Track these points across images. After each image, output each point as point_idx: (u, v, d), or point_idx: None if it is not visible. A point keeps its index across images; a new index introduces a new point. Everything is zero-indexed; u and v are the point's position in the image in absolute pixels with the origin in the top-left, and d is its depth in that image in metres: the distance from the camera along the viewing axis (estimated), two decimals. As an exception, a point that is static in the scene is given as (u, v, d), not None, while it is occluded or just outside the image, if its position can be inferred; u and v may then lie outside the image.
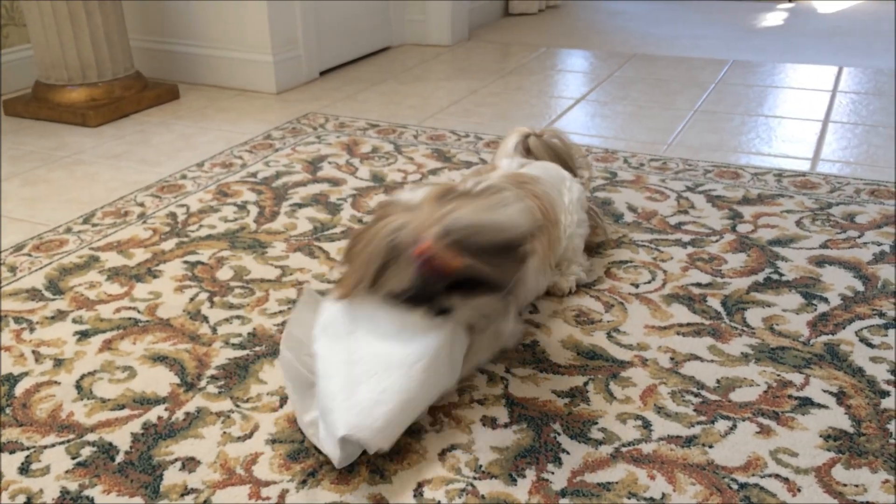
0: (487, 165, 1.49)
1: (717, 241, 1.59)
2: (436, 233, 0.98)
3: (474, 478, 0.99)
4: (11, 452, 1.05)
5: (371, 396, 0.96)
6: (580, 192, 1.44)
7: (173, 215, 1.75)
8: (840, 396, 1.13)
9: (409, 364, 0.99)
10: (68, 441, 1.07)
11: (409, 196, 1.09)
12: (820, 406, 1.11)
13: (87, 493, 0.98)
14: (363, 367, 0.99)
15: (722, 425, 1.07)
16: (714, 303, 1.37)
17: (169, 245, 1.61)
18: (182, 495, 0.97)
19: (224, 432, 1.08)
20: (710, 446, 1.03)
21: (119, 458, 1.03)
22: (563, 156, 1.57)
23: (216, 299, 1.41)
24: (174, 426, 1.09)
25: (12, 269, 1.53)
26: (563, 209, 1.39)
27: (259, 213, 1.75)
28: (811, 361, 1.20)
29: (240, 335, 1.30)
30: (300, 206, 1.79)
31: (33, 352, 1.27)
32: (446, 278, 0.99)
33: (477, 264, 0.99)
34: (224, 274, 1.50)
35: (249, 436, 1.07)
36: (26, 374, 1.21)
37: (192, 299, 1.41)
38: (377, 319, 1.04)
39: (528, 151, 1.55)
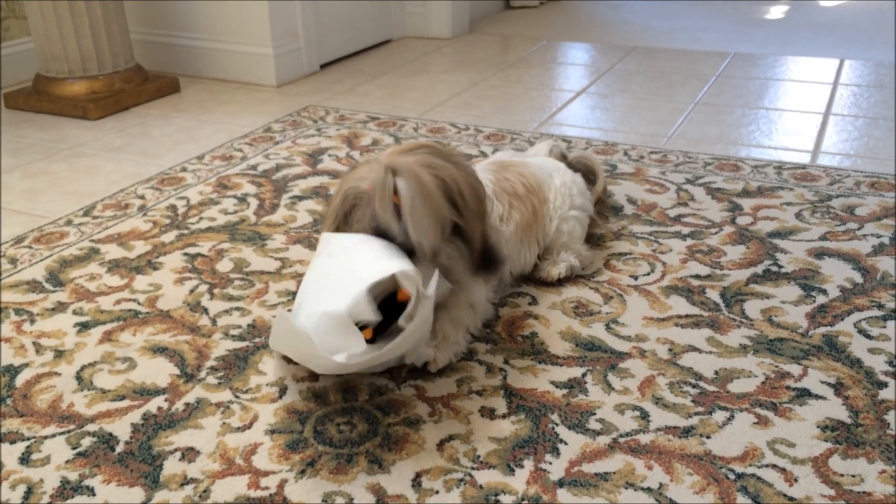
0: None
1: (716, 233, 1.59)
2: (382, 174, 1.06)
3: (472, 468, 0.99)
4: (12, 443, 1.05)
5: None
6: (573, 177, 1.48)
7: (173, 207, 1.75)
8: (838, 387, 1.13)
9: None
10: (69, 431, 1.07)
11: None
12: (818, 397, 1.11)
13: (87, 482, 0.98)
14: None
15: (720, 416, 1.08)
16: (713, 294, 1.37)
17: (169, 237, 1.62)
18: (181, 485, 0.97)
19: (223, 423, 1.08)
20: (708, 437, 1.04)
21: (119, 449, 1.04)
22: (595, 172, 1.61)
23: (216, 291, 1.41)
24: (174, 417, 1.10)
25: (13, 260, 1.53)
26: (554, 189, 1.43)
27: (259, 205, 1.76)
28: (809, 353, 1.21)
29: (239, 327, 1.30)
30: (300, 198, 1.79)
31: (34, 343, 1.27)
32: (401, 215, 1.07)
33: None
34: (224, 266, 1.50)
35: (249, 426, 1.07)
36: (27, 365, 1.22)
37: (192, 291, 1.41)
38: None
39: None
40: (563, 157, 1.59)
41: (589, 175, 1.57)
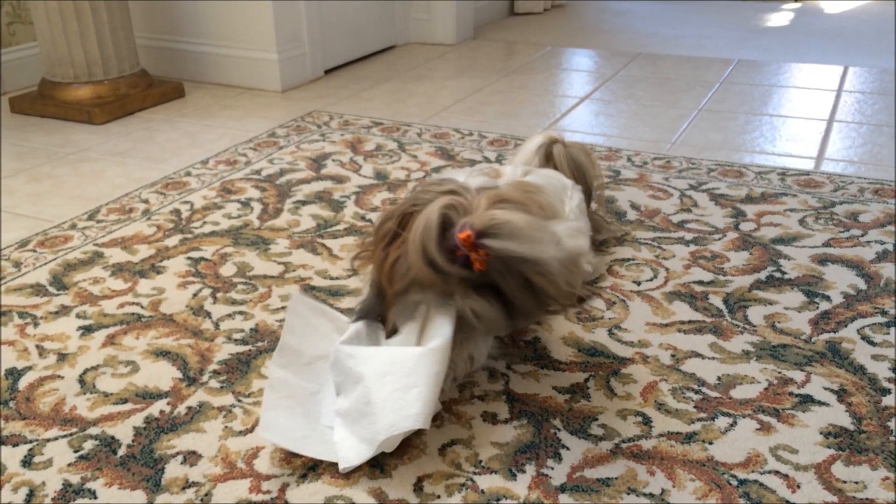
0: (491, 170, 1.49)
1: (719, 239, 1.59)
2: (480, 228, 0.99)
3: (474, 473, 0.99)
4: (14, 445, 1.05)
5: (398, 389, 0.99)
6: (580, 200, 1.45)
7: (177, 212, 1.76)
8: (841, 394, 1.13)
9: (426, 350, 1.01)
10: (71, 434, 1.07)
11: (463, 178, 1.13)
12: (821, 403, 1.11)
13: (88, 485, 0.98)
14: (392, 376, 1.01)
15: (722, 422, 1.07)
16: (716, 300, 1.37)
17: (173, 241, 1.62)
18: (183, 489, 0.97)
19: (225, 426, 1.08)
20: (710, 443, 1.04)
21: (121, 452, 1.04)
22: (584, 171, 1.58)
23: (219, 295, 1.41)
24: (176, 420, 1.10)
25: (17, 264, 1.54)
26: (565, 219, 1.40)
27: (262, 209, 1.76)
28: (812, 359, 1.20)
29: (242, 331, 1.31)
30: (304, 203, 1.79)
31: (37, 346, 1.27)
32: (472, 272, 1.01)
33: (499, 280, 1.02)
34: (227, 270, 1.50)
35: (251, 430, 1.07)
36: (30, 368, 1.22)
37: (195, 295, 1.42)
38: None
39: (548, 158, 1.56)
40: (553, 142, 1.56)
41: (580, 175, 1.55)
